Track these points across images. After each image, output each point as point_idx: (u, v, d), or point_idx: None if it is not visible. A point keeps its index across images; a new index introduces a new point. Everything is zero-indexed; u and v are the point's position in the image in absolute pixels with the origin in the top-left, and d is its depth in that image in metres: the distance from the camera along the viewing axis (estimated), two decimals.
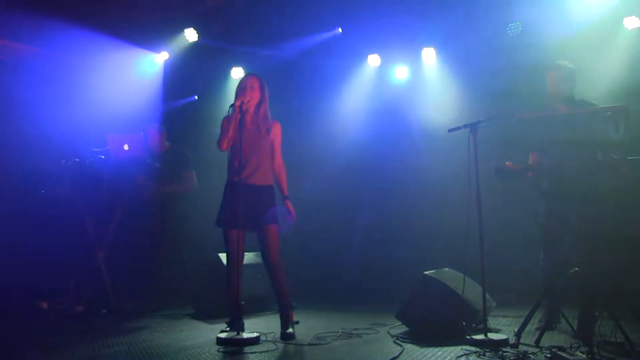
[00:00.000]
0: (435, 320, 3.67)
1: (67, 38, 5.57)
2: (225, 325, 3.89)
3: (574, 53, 4.88)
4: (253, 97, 3.89)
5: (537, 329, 3.67)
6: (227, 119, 3.90)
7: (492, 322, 4.00)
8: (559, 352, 2.95)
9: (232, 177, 3.88)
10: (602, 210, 3.48)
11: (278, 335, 3.77)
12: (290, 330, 3.78)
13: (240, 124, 3.81)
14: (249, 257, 5.00)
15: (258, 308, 5.06)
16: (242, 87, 3.92)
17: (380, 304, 5.11)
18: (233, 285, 3.75)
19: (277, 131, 3.99)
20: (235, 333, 3.60)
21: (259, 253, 5.22)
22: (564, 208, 3.73)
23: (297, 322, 3.94)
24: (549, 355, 2.98)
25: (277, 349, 3.42)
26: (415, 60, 6.18)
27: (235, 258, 3.82)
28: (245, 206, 3.70)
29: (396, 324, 4.04)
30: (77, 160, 4.89)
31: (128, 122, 5.64)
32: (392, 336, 3.72)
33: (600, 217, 3.48)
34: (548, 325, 3.53)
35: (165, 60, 6.63)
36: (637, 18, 5.12)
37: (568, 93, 3.91)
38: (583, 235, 3.28)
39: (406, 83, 6.27)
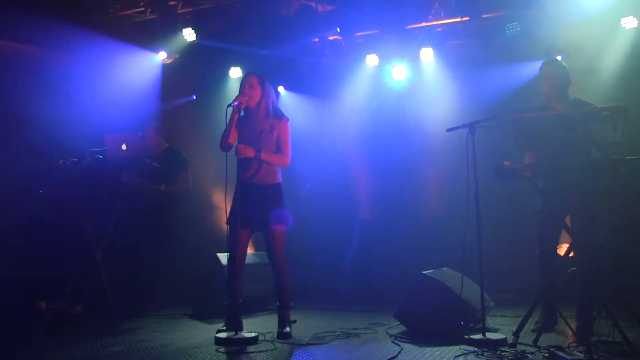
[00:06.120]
0: (433, 319, 3.67)
1: (64, 38, 5.56)
2: (223, 325, 3.89)
3: (572, 52, 4.90)
4: (253, 96, 3.89)
5: (533, 330, 3.65)
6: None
7: (490, 322, 4.00)
8: (557, 352, 2.95)
9: (238, 177, 3.88)
10: (600, 210, 3.48)
11: (276, 334, 3.78)
12: (287, 329, 3.80)
13: (241, 123, 3.84)
14: (248, 256, 4.99)
15: (257, 308, 5.06)
16: (241, 86, 3.93)
17: (378, 303, 5.11)
18: (232, 284, 3.75)
19: (282, 128, 3.91)
20: (233, 332, 3.60)
21: (259, 253, 5.25)
22: (561, 208, 3.73)
23: (295, 321, 3.94)
24: (547, 354, 2.99)
25: (276, 348, 3.42)
26: (413, 60, 6.18)
27: (236, 256, 3.83)
28: (249, 206, 3.73)
29: (394, 324, 4.05)
30: (75, 160, 4.88)
31: (126, 122, 5.62)
32: (391, 336, 3.72)
33: (598, 217, 3.48)
34: (545, 327, 3.52)
35: (163, 60, 6.62)
36: (635, 18, 5.13)
37: (562, 91, 3.85)
38: (581, 235, 3.28)
39: (404, 83, 6.27)
